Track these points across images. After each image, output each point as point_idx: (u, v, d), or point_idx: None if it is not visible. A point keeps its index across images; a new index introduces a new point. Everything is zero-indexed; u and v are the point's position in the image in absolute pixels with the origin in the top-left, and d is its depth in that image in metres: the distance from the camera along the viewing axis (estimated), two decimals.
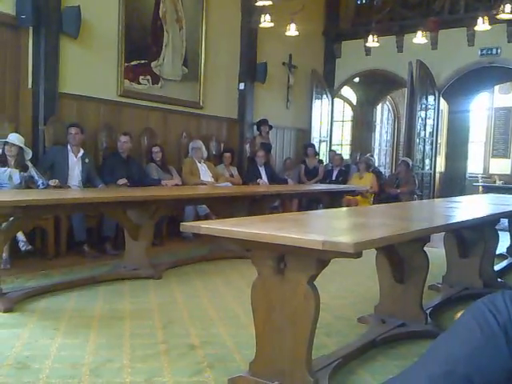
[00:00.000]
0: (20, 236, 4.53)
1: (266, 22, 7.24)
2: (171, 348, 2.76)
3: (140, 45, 6.36)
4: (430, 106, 9.22)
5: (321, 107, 9.74)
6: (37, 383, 2.27)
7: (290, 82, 8.98)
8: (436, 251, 4.57)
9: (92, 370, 2.44)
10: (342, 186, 7.51)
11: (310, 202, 7.93)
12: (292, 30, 7.77)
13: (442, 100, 9.70)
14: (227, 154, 7.25)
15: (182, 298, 3.74)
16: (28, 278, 4.07)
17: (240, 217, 4.25)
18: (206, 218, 6.09)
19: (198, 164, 6.67)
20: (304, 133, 9.50)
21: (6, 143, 4.67)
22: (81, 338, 2.85)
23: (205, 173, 6.67)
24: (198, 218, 6.12)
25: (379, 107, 13.33)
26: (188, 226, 2.40)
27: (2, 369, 2.39)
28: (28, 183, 4.79)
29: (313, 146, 9.05)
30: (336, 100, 10.63)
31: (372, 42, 8.48)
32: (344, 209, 5.13)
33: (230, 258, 5.15)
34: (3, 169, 4.63)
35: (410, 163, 8.40)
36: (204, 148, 6.83)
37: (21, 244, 4.57)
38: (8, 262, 4.30)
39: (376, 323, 3.16)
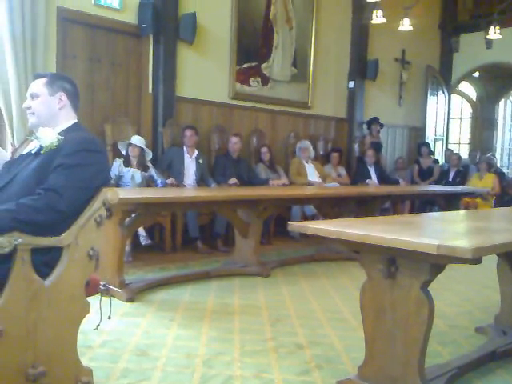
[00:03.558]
0: (141, 231, 4.88)
1: (377, 17, 7.05)
2: (279, 345, 2.80)
3: (251, 47, 6.52)
4: None
5: (436, 104, 9.29)
6: (154, 370, 2.42)
7: (403, 78, 8.66)
8: None
9: (204, 361, 2.55)
10: (459, 188, 7.11)
11: (424, 205, 7.59)
12: (406, 25, 7.48)
13: None
14: (335, 154, 7.17)
15: (290, 297, 3.77)
16: (147, 271, 4.36)
17: (348, 218, 4.19)
18: (313, 218, 6.08)
19: (306, 164, 6.68)
20: (418, 131, 9.11)
21: (129, 145, 5.04)
22: (194, 329, 3.00)
23: (312, 173, 6.66)
24: (304, 218, 6.14)
25: (502, 103, 12.37)
26: (295, 226, 2.42)
27: (125, 354, 2.59)
28: (148, 182, 5.14)
29: (427, 144, 8.66)
30: (453, 96, 10.08)
31: (494, 34, 7.90)
32: (462, 212, 4.84)
33: (338, 259, 5.10)
34: (127, 169, 4.99)
35: None
36: (311, 148, 6.82)
37: (141, 238, 4.91)
38: (130, 254, 4.64)
39: (496, 334, 2.95)
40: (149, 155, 5.16)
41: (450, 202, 6.42)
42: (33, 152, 1.99)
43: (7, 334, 1.71)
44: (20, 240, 1.72)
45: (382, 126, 7.90)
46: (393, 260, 2.12)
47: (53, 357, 1.85)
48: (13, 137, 4.47)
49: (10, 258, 1.72)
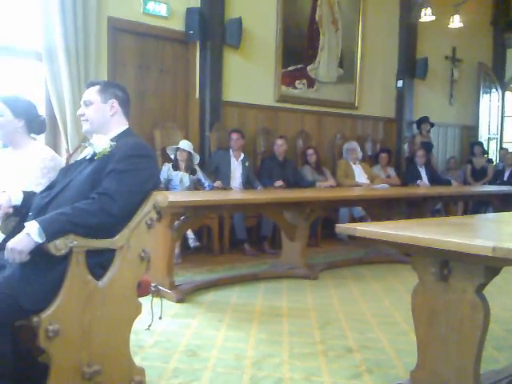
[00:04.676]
0: (189, 233, 4.96)
1: (426, 15, 6.90)
2: (328, 349, 2.77)
3: (296, 50, 6.51)
4: None
5: (490, 102, 8.98)
6: (205, 371, 2.46)
7: (454, 76, 8.43)
8: None
9: (254, 363, 2.56)
10: None
11: (478, 206, 7.34)
12: (456, 22, 7.29)
13: None
14: (383, 155, 7.05)
15: (338, 300, 3.73)
16: (196, 272, 4.43)
17: (398, 220, 4.10)
18: (361, 220, 6.00)
19: (353, 165, 6.60)
20: (470, 130, 8.83)
21: (177, 149, 5.14)
22: (243, 331, 3.02)
23: (360, 174, 6.57)
24: (352, 220, 6.06)
25: None
26: (343, 228, 2.38)
27: (176, 355, 2.64)
28: (196, 185, 5.22)
29: (480, 144, 8.39)
30: (507, 93, 9.68)
31: None
32: None
33: (387, 262, 5.01)
34: (175, 172, 5.09)
35: None
36: (359, 149, 6.74)
37: (190, 241, 4.99)
38: (179, 256, 4.72)
39: None
40: (196, 159, 5.24)
41: (505, 203, 6.17)
42: (87, 158, 2.06)
43: (64, 333, 1.78)
44: (75, 242, 1.78)
45: (432, 125, 7.71)
46: (446, 263, 2.06)
47: (107, 356, 1.90)
48: (67, 143, 4.65)
49: (66, 259, 1.79)
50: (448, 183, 7.12)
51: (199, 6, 5.55)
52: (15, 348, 1.79)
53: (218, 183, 5.24)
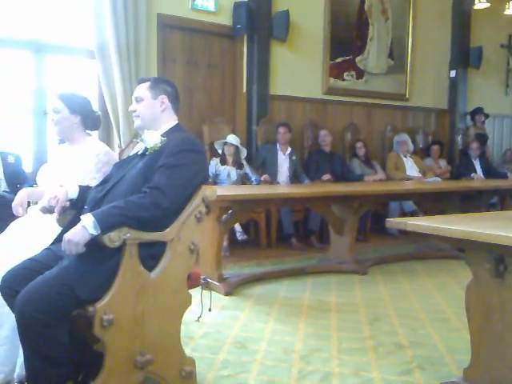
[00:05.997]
0: (237, 227, 5.00)
1: (481, 2, 6.64)
2: (378, 345, 2.74)
3: (345, 41, 6.41)
4: None
5: None
6: (253, 363, 2.48)
7: (510, 65, 8.08)
8: None
9: (302, 356, 2.56)
10: None
11: None
12: None
13: None
14: (435, 147, 6.87)
15: (388, 296, 3.67)
16: (243, 266, 4.46)
17: (451, 214, 3.98)
18: (412, 215, 5.87)
19: (404, 158, 6.45)
20: None
21: (225, 143, 5.18)
22: (291, 325, 3.02)
23: (411, 167, 6.42)
24: (403, 214, 5.94)
25: None
26: (394, 223, 2.34)
27: (225, 346, 2.67)
28: (243, 179, 5.25)
29: None
30: None
31: None
32: None
33: (440, 257, 4.88)
34: (223, 167, 5.14)
35: None
36: (410, 141, 6.59)
37: (238, 234, 5.03)
38: (227, 250, 4.77)
39: None
40: (243, 153, 5.27)
41: None
42: (139, 153, 2.12)
43: (118, 322, 1.83)
44: (128, 235, 1.83)
45: (486, 116, 7.43)
46: (501, 258, 1.99)
47: (158, 346, 1.95)
48: (120, 139, 4.78)
49: (120, 251, 1.84)
50: (504, 176, 6.84)
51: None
52: (72, 336, 1.87)
53: (264, 177, 5.25)
